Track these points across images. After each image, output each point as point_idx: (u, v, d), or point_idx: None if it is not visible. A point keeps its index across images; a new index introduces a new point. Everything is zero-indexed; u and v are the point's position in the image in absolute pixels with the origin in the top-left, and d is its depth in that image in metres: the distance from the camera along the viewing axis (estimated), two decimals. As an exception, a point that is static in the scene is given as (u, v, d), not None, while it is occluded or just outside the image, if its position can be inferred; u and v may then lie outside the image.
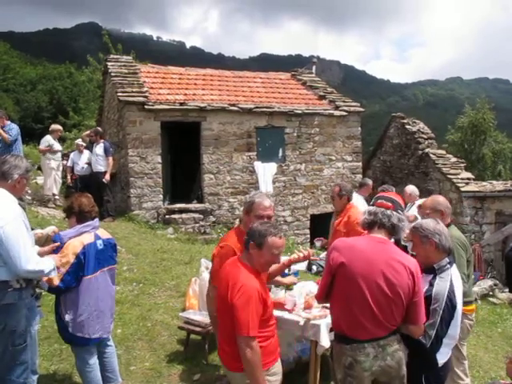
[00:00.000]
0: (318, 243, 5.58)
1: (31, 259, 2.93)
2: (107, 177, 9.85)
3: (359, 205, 6.11)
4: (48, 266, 3.09)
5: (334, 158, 12.26)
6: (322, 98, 12.75)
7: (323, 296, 2.88)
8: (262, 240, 2.78)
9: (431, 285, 2.83)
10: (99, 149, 9.93)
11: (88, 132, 10.47)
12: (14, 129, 8.43)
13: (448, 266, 2.91)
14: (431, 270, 2.89)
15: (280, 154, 11.64)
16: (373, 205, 2.91)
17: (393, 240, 2.91)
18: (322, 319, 3.81)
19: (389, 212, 2.78)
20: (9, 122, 8.60)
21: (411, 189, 7.41)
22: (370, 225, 2.82)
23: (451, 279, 2.86)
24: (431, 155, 12.70)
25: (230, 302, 2.67)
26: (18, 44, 68.77)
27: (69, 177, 10.58)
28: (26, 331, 3.03)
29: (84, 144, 10.71)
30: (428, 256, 2.92)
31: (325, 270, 2.91)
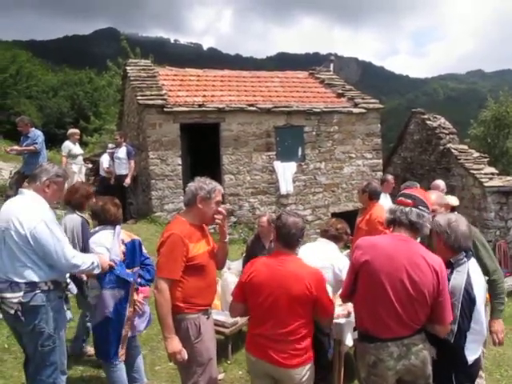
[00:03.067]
0: None
1: (67, 254, 3.05)
2: (128, 180, 9.88)
3: (383, 202, 6.08)
4: (85, 261, 3.18)
5: (353, 155, 12.17)
6: (340, 95, 12.66)
7: (347, 294, 2.87)
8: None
9: (448, 279, 2.77)
10: (121, 152, 10.03)
11: (119, 136, 10.39)
12: (39, 136, 8.76)
13: (465, 259, 2.85)
14: (448, 265, 2.83)
15: (299, 153, 11.60)
16: (394, 203, 2.89)
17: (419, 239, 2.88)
18: (345, 318, 3.80)
19: (407, 209, 2.74)
20: (33, 129, 8.88)
21: (444, 184, 7.29)
22: (391, 223, 2.81)
23: (468, 272, 2.80)
24: (453, 150, 12.46)
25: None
26: (40, 52, 70.15)
27: (112, 178, 10.20)
28: (54, 333, 3.09)
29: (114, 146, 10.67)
30: (439, 251, 2.86)
31: (348, 269, 2.90)
